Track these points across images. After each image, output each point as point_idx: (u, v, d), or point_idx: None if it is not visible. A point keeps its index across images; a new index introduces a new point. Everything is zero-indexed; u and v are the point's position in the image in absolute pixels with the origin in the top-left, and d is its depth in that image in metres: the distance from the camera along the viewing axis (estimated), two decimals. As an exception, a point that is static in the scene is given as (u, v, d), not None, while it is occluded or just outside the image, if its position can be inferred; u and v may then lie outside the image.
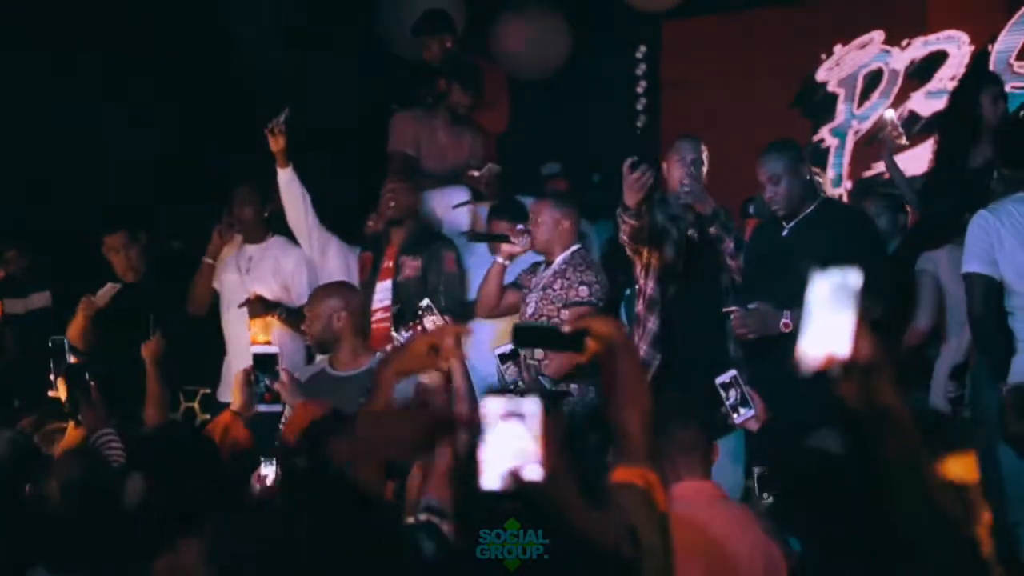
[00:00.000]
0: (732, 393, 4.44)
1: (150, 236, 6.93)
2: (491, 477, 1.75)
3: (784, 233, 5.37)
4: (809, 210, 5.34)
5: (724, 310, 5.35)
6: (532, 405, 1.78)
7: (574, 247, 5.96)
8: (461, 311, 6.30)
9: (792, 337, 5.06)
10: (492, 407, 1.77)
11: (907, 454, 2.08)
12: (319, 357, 5.80)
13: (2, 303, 7.17)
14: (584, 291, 5.83)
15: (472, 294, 6.45)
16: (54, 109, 7.28)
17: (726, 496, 4.02)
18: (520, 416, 1.76)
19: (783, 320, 5.12)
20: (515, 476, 1.74)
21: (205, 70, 7.52)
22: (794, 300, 5.13)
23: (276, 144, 6.53)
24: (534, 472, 1.75)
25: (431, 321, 5.24)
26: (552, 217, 5.95)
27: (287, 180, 6.66)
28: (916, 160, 7.12)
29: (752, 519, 3.79)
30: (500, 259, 6.14)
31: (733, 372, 4.49)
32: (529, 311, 5.91)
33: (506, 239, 6.08)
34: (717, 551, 3.62)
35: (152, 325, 5.61)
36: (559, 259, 5.93)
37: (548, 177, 8.26)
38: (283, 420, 4.95)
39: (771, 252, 5.39)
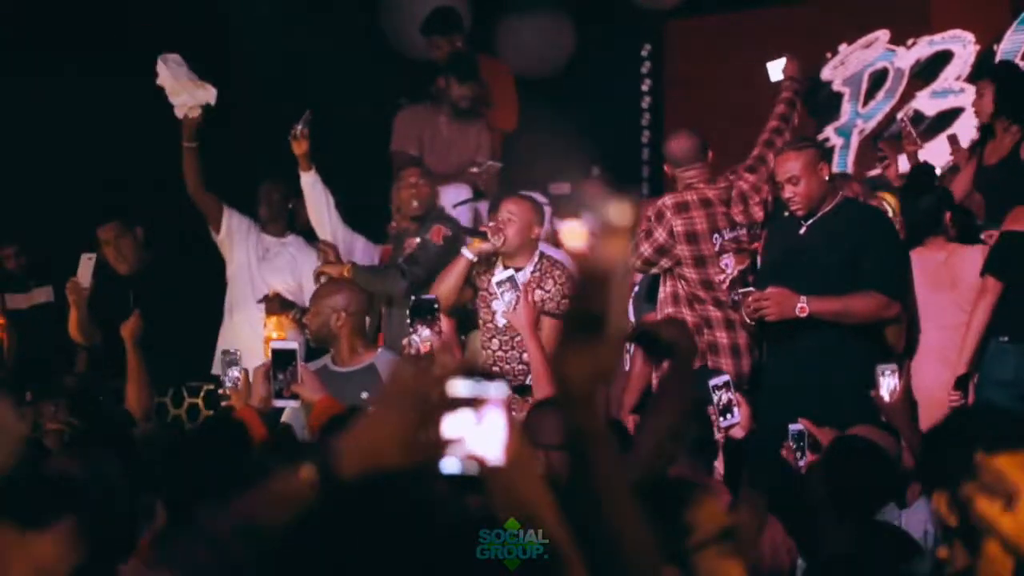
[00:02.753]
0: (722, 397, 4.43)
1: (147, 231, 6.92)
2: (451, 461, 1.74)
3: (801, 231, 5.37)
4: (828, 208, 5.33)
5: (739, 291, 5.34)
6: (498, 390, 1.77)
7: (536, 256, 5.78)
8: (426, 280, 6.07)
9: (806, 325, 5.09)
10: (457, 390, 1.76)
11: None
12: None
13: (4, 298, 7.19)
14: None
15: None
16: (55, 107, 7.29)
17: (726, 490, 4.03)
18: (485, 400, 1.75)
19: (799, 304, 5.11)
20: (476, 461, 1.73)
21: (206, 69, 7.51)
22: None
23: (299, 148, 6.46)
24: (496, 458, 1.74)
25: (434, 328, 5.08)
26: (527, 219, 5.72)
27: (311, 183, 6.59)
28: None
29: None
30: (469, 254, 5.80)
31: (727, 376, 4.49)
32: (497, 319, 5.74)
33: (484, 236, 5.76)
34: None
35: (131, 304, 5.59)
36: (528, 267, 5.72)
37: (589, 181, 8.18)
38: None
39: (788, 250, 5.38)
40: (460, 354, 5.05)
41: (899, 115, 7.15)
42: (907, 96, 8.33)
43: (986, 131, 6.36)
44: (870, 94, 8.53)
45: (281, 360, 4.59)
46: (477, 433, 1.73)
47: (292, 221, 6.92)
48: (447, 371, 1.78)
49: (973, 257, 5.52)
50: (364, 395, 5.32)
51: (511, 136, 7.70)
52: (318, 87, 7.63)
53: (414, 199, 6.46)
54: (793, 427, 4.33)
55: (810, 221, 5.35)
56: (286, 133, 6.43)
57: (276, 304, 6.52)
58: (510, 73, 7.85)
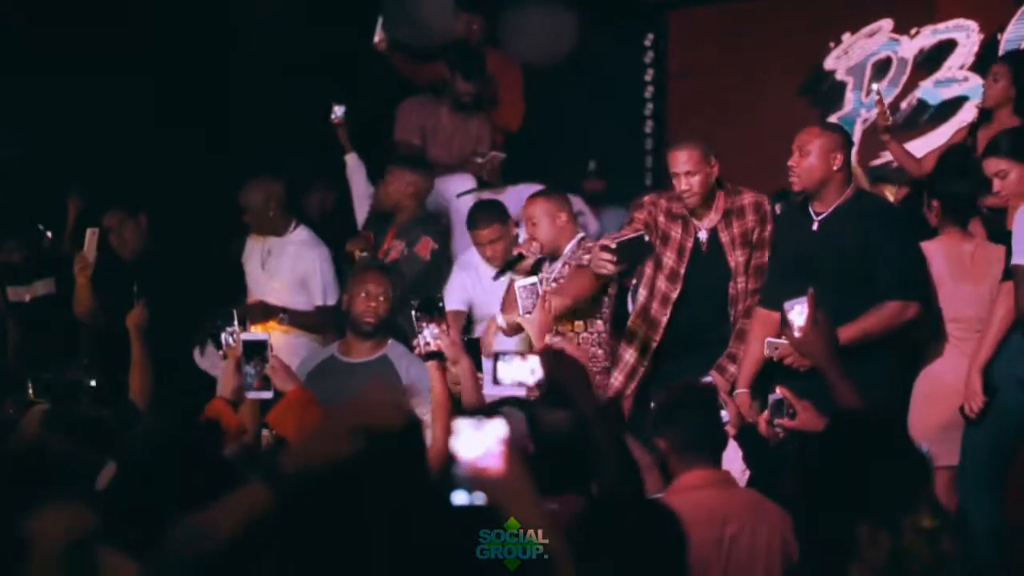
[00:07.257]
0: None
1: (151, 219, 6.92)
2: (460, 494, 1.77)
3: (814, 227, 5.23)
4: (840, 202, 5.24)
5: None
6: (498, 427, 1.80)
7: (579, 236, 5.78)
8: (401, 295, 5.93)
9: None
10: (459, 428, 1.79)
11: None
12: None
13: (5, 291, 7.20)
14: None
15: (445, 291, 6.09)
16: (58, 101, 7.30)
17: (735, 481, 4.02)
18: (489, 431, 1.78)
19: None
20: (482, 492, 1.75)
21: (207, 66, 7.54)
22: (826, 303, 5.07)
23: (342, 133, 7.24)
24: (494, 482, 1.76)
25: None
26: (547, 213, 5.72)
27: (353, 164, 7.30)
28: (923, 149, 7.07)
29: (765, 502, 3.77)
30: (517, 279, 5.50)
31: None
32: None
33: (521, 259, 5.71)
34: (732, 539, 3.63)
35: (136, 294, 5.59)
36: (566, 250, 5.74)
37: (585, 176, 8.18)
38: None
39: (800, 249, 5.24)
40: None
41: (874, 86, 7.00)
42: (911, 86, 8.32)
43: (983, 117, 6.30)
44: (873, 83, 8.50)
45: (252, 351, 4.56)
46: (478, 458, 1.76)
47: (299, 213, 6.93)
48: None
49: (1000, 253, 5.32)
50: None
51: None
52: (318, 84, 7.65)
53: (390, 191, 6.75)
54: (772, 396, 4.28)
55: (822, 216, 5.24)
56: (288, 129, 6.52)
57: (260, 312, 6.47)
58: (519, 70, 7.79)
